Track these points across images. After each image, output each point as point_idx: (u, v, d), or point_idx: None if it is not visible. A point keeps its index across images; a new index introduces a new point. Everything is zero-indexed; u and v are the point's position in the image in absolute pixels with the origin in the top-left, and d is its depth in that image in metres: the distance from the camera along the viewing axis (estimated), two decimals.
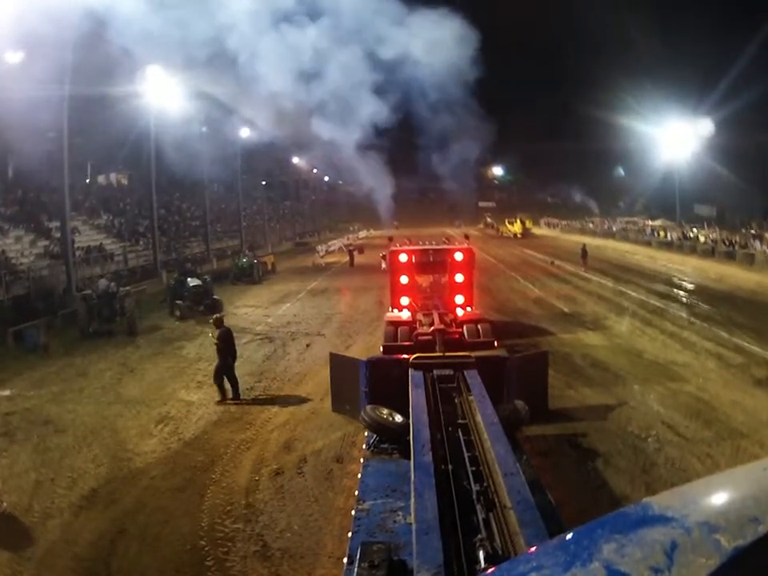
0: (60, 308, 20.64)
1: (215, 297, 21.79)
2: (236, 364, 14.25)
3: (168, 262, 34.79)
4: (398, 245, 15.10)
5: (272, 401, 11.56)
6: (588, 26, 69.39)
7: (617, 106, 53.59)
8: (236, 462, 8.85)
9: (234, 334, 17.43)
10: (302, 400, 11.49)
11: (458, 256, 14.01)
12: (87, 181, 47.55)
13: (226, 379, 11.60)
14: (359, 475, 6.52)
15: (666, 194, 53.41)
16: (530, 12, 70.11)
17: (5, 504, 7.81)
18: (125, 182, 53.11)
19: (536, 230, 67.31)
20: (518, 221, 62.15)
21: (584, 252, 30.49)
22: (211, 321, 12.23)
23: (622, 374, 12.43)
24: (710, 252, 35.56)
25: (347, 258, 38.61)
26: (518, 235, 58.74)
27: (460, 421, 6.31)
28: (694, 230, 43.43)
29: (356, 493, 6.01)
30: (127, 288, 21.01)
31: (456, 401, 7.02)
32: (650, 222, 54.46)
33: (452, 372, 7.77)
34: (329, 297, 24.74)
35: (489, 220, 78.15)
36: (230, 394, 11.56)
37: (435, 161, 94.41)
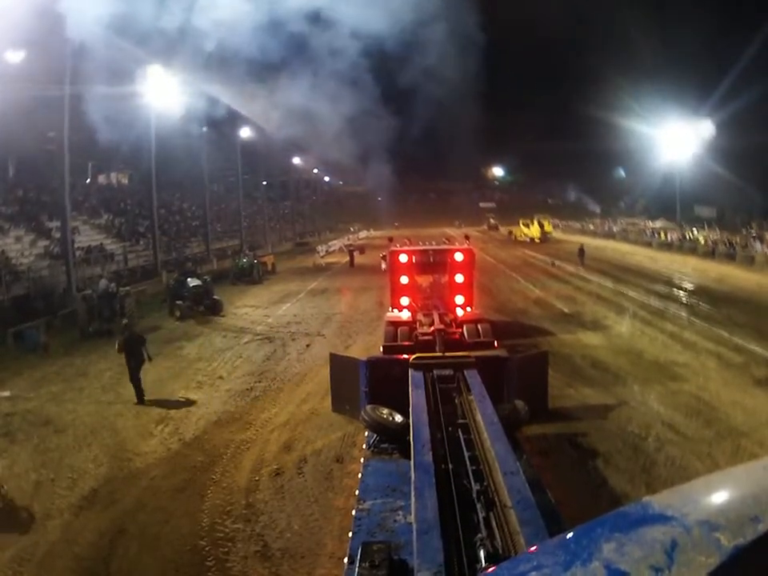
0: (60, 308, 20.63)
1: (215, 297, 21.79)
2: (235, 364, 14.31)
3: (168, 261, 34.78)
4: (398, 245, 15.09)
5: (272, 401, 11.56)
6: (589, 26, 69.53)
7: (617, 106, 53.65)
8: (236, 462, 8.86)
9: (233, 335, 17.63)
10: (302, 400, 11.49)
11: (458, 256, 14.00)
12: (88, 181, 47.57)
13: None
14: (359, 475, 6.52)
15: (666, 195, 53.43)
16: (531, 13, 70.24)
17: (5, 488, 7.90)
18: (125, 181, 53.15)
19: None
20: (536, 223, 53.71)
21: (581, 252, 31.30)
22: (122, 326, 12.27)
23: (622, 374, 12.43)
24: (710, 253, 35.59)
25: (347, 259, 38.59)
26: (536, 240, 50.37)
27: (460, 420, 6.31)
28: (695, 230, 43.45)
29: (356, 493, 6.01)
30: (127, 288, 21.00)
31: (456, 401, 7.02)
32: (651, 223, 54.47)
33: (452, 372, 7.77)
34: (329, 297, 24.74)
35: (492, 221, 73.52)
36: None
37: (436, 162, 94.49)
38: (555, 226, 64.84)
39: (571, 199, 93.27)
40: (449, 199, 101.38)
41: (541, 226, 52.91)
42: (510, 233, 58.26)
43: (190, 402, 11.65)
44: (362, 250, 41.70)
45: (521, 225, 56.13)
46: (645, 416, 9.97)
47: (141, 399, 11.66)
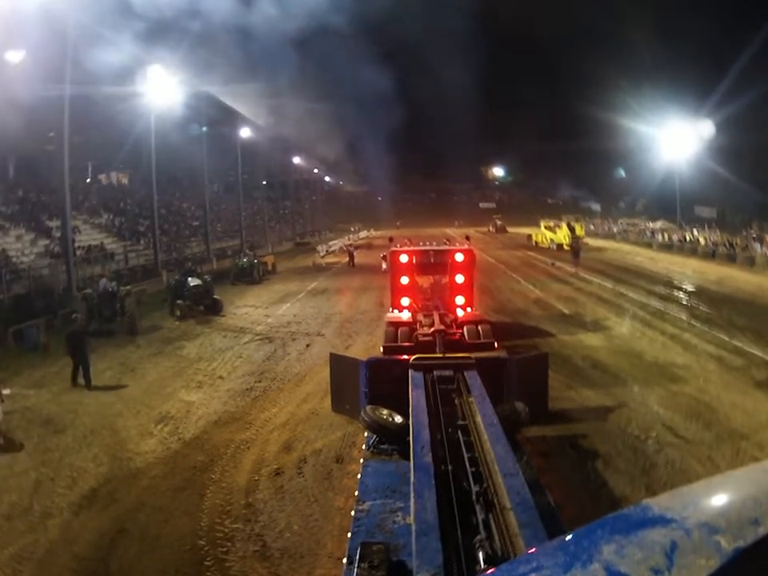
0: (60, 307, 20.61)
1: (215, 297, 21.80)
2: (235, 364, 14.39)
3: (168, 261, 34.80)
4: (398, 245, 15.09)
5: (272, 401, 11.56)
6: (590, 26, 69.55)
7: (617, 106, 53.64)
8: (236, 462, 8.85)
9: (233, 334, 17.64)
10: (301, 400, 11.49)
11: (459, 257, 14.00)
12: (88, 180, 47.64)
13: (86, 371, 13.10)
14: (359, 476, 6.52)
15: (666, 195, 53.39)
16: (531, 13, 70.31)
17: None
18: (125, 181, 53.21)
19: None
20: (564, 226, 43.59)
21: (575, 253, 31.42)
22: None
23: (623, 375, 12.43)
24: (710, 254, 35.56)
25: (348, 259, 38.66)
26: (565, 247, 38.16)
27: (460, 422, 6.31)
28: (695, 231, 43.37)
29: (356, 493, 6.01)
30: (127, 287, 20.99)
31: (456, 402, 7.03)
32: (651, 224, 54.32)
33: (452, 373, 7.77)
34: (329, 297, 24.74)
35: (499, 222, 67.26)
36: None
37: (436, 162, 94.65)
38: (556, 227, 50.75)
39: (573, 200, 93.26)
40: (449, 199, 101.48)
41: (571, 229, 42.28)
42: (530, 237, 48.03)
43: (189, 402, 11.65)
44: (370, 246, 40.94)
45: (542, 228, 46.31)
46: (645, 418, 9.97)
47: (75, 380, 12.92)
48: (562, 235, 42.22)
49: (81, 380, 13.21)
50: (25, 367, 14.63)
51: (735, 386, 11.44)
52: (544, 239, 44.93)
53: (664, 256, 37.92)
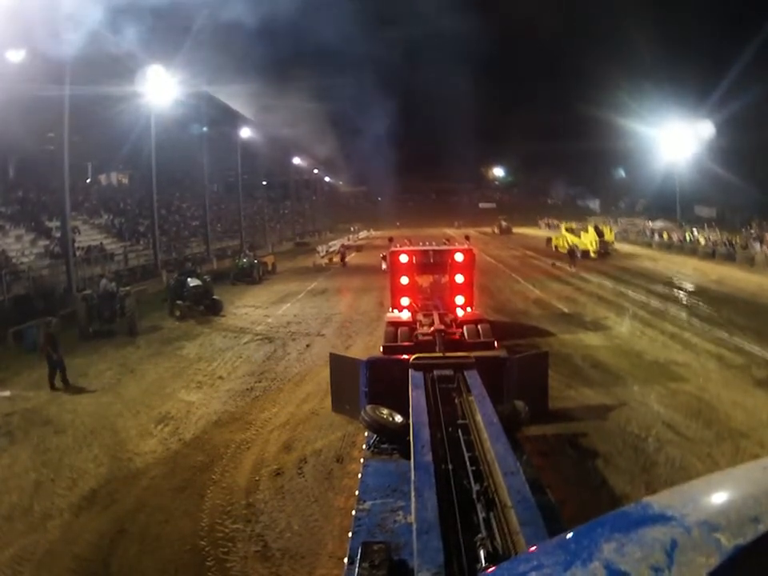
0: (60, 308, 20.61)
1: (215, 297, 21.80)
2: (235, 364, 14.40)
3: (168, 261, 34.79)
4: (398, 245, 15.09)
5: (272, 401, 11.56)
6: (590, 26, 69.60)
7: (617, 106, 53.70)
8: (236, 462, 8.85)
9: (233, 335, 17.63)
10: (301, 400, 11.49)
11: (459, 257, 14.00)
12: (88, 180, 47.64)
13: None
14: (359, 475, 6.51)
15: (666, 195, 53.44)
16: (531, 13, 70.33)
17: None
18: (125, 181, 53.23)
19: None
20: (591, 229, 38.51)
21: (572, 253, 31.37)
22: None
23: (623, 374, 12.43)
24: (710, 253, 35.58)
25: (346, 259, 38.95)
26: (592, 254, 35.67)
27: (460, 421, 6.31)
28: (695, 231, 43.36)
29: (356, 493, 6.00)
30: (127, 288, 20.98)
31: (456, 401, 7.02)
32: (651, 224, 54.34)
33: (452, 372, 7.76)
34: (329, 297, 24.74)
35: (504, 223, 64.69)
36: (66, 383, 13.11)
37: (436, 162, 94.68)
38: (556, 226, 51.25)
39: (571, 199, 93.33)
40: (449, 200, 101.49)
41: (599, 233, 37.54)
42: (549, 242, 43.04)
43: (189, 402, 11.65)
44: (359, 249, 41.76)
45: (564, 231, 41.37)
46: (645, 416, 9.97)
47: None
48: (589, 240, 37.20)
49: (82, 381, 13.23)
50: (25, 368, 14.63)
51: (735, 385, 11.44)
52: (563, 244, 38.64)
53: (664, 255, 37.92)
